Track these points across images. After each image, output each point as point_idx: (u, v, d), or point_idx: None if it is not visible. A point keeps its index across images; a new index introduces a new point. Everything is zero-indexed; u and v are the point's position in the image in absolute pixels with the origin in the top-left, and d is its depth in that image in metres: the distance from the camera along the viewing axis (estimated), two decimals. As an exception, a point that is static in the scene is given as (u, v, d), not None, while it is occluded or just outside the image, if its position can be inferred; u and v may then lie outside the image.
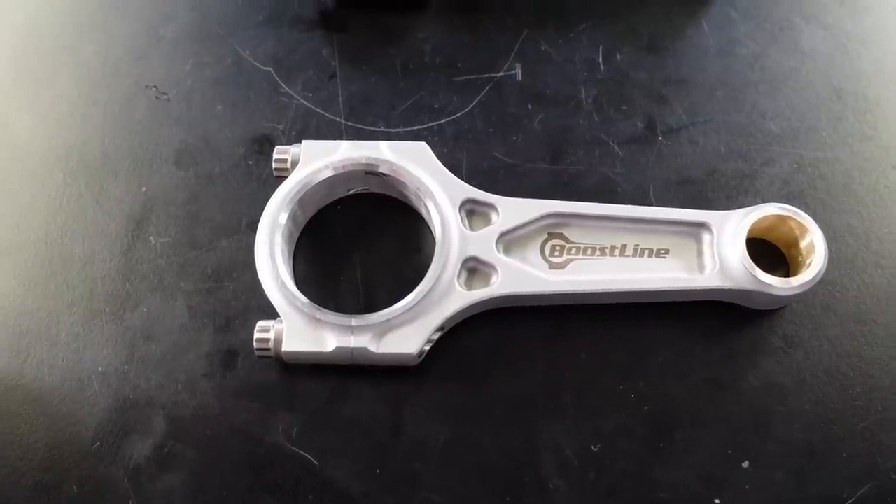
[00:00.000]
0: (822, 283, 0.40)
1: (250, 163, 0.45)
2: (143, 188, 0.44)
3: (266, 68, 0.47)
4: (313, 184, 0.40)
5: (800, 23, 0.48)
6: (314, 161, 0.41)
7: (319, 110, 0.46)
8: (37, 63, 0.48)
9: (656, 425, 0.40)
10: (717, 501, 0.38)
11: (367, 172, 0.41)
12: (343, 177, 0.41)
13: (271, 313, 0.40)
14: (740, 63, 0.47)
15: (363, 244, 0.43)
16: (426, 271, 0.40)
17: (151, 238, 0.43)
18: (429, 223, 0.42)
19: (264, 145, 0.45)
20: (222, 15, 0.49)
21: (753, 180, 0.44)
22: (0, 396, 0.40)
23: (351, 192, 0.43)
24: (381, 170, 0.41)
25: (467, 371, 0.41)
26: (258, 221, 0.41)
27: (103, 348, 0.41)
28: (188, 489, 0.39)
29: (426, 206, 0.41)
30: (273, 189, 0.41)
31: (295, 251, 0.43)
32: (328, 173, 0.41)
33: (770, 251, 0.42)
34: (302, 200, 0.41)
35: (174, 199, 0.44)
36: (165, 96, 0.46)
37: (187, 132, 0.46)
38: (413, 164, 0.41)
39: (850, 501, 0.38)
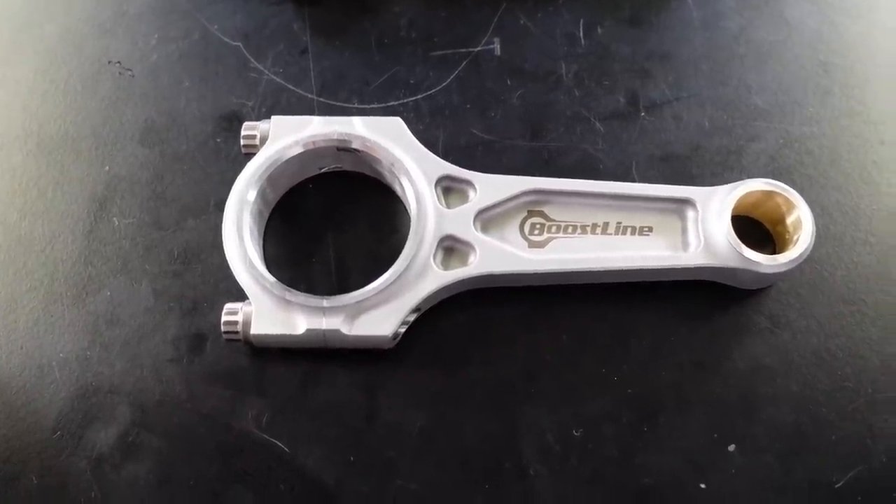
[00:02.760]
0: (810, 260, 0.39)
1: (218, 140, 0.43)
2: (107, 167, 0.43)
3: (235, 43, 0.46)
4: (283, 160, 0.39)
5: (785, -5, 0.47)
6: (284, 137, 0.40)
7: (290, 86, 0.44)
8: (-6, 39, 0.46)
9: (640, 409, 0.38)
10: (702, 486, 0.37)
11: (339, 149, 0.40)
12: (314, 153, 0.40)
13: (240, 296, 0.38)
14: (725, 36, 0.46)
15: (336, 224, 0.42)
16: (401, 251, 0.38)
17: (115, 219, 0.42)
18: (403, 201, 0.40)
19: (233, 122, 0.43)
20: (189, -13, 0.47)
21: (739, 156, 0.43)
22: (-45, 385, 0.39)
23: (323, 170, 0.42)
24: (354, 145, 0.39)
25: (444, 354, 0.39)
26: (226, 201, 0.39)
27: (64, 334, 0.40)
28: (154, 479, 0.37)
29: (401, 182, 0.39)
30: (241, 168, 0.40)
31: (265, 231, 0.41)
32: (298, 149, 0.39)
33: (755, 230, 0.41)
34: (271, 178, 0.39)
35: (139, 178, 0.43)
36: (130, 72, 0.45)
37: (153, 109, 0.44)
38: (387, 139, 0.40)
39: (840, 485, 0.37)
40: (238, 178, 0.39)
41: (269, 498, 0.37)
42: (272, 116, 0.41)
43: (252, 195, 0.39)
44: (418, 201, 0.39)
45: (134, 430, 0.38)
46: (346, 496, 0.37)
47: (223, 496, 0.37)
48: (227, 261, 0.39)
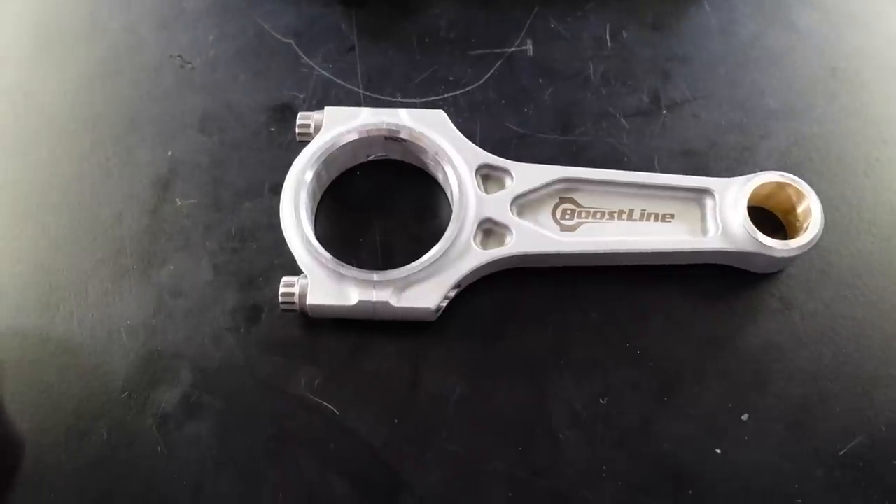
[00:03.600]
0: (817, 248, 0.42)
1: (272, 130, 0.46)
2: (169, 152, 0.46)
3: (287, 40, 0.49)
4: (338, 146, 0.42)
5: (796, 4, 0.50)
6: (337, 126, 0.43)
7: (339, 81, 0.48)
8: (63, 33, 0.49)
9: (660, 380, 0.41)
10: (717, 451, 0.40)
11: (387, 138, 0.43)
12: (365, 141, 0.43)
13: (293, 271, 0.42)
14: (740, 42, 0.49)
15: (381, 207, 0.45)
16: (441, 234, 0.42)
17: (177, 199, 0.45)
18: (445, 187, 0.44)
19: (285, 113, 0.47)
20: (244, -11, 0.50)
21: (752, 152, 0.46)
22: (32, 349, 0.42)
23: (370, 157, 0.45)
24: (402, 135, 0.43)
25: (481, 328, 0.43)
26: (279, 185, 0.42)
27: (131, 304, 0.43)
28: (214, 436, 0.40)
29: (444, 169, 0.42)
30: (294, 155, 0.43)
31: (316, 212, 0.44)
32: (353, 137, 0.42)
33: (767, 220, 0.43)
34: (326, 161, 0.42)
35: (199, 162, 0.46)
36: (190, 65, 0.48)
37: (211, 100, 0.47)
38: (431, 130, 0.43)
39: (843, 452, 0.40)
40: (296, 160, 0.42)
41: (320, 457, 0.40)
42: (325, 107, 0.44)
43: (309, 176, 0.42)
44: (460, 187, 0.42)
45: (195, 392, 0.41)
46: (392, 456, 0.40)
47: (278, 454, 0.40)
48: (280, 239, 0.42)
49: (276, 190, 0.43)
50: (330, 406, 0.41)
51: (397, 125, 0.43)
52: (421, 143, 0.43)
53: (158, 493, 0.40)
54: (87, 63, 0.48)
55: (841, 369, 0.42)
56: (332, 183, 0.45)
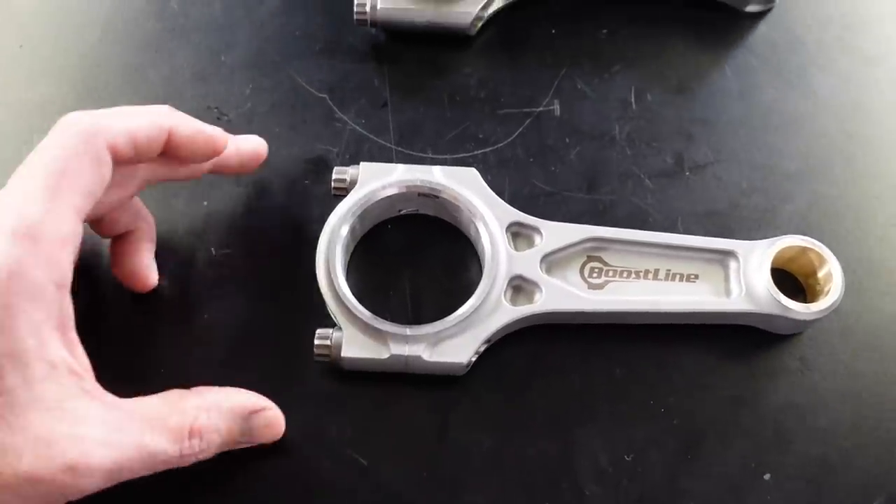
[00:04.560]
0: (837, 310, 0.43)
1: (306, 182, 0.48)
2: (205, 203, 0.47)
3: (321, 95, 0.50)
4: (374, 201, 0.44)
5: (814, 71, 0.52)
6: (372, 181, 0.44)
7: (372, 136, 0.49)
8: (105, 82, 0.51)
9: (684, 438, 0.42)
10: (741, 510, 0.41)
11: (421, 194, 0.45)
12: (400, 197, 0.45)
13: (326, 324, 0.43)
14: (760, 106, 0.51)
15: (412, 261, 0.46)
16: (470, 289, 0.43)
17: (212, 249, 0.46)
18: (476, 244, 0.45)
19: (319, 166, 0.48)
20: (280, 45, 0.52)
21: (773, 214, 0.47)
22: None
23: (402, 212, 0.46)
24: (437, 192, 0.44)
25: (509, 382, 0.43)
26: (313, 237, 0.44)
27: (166, 348, 0.44)
28: (246, 483, 0.41)
29: (476, 226, 0.44)
30: (328, 208, 0.44)
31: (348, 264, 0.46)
32: (389, 192, 0.44)
33: (787, 282, 0.45)
34: (362, 216, 0.44)
35: (233, 213, 0.47)
36: (226, 117, 0.49)
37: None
38: (464, 187, 0.44)
39: (864, 512, 0.41)
40: (332, 214, 0.44)
41: (347, 503, 0.41)
42: (360, 162, 0.45)
43: (345, 230, 0.43)
44: (492, 244, 0.43)
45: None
46: (419, 507, 0.41)
47: (305, 496, 0.41)
48: (313, 290, 0.43)
49: (310, 241, 0.44)
50: (359, 457, 0.42)
51: (432, 182, 0.44)
52: (455, 202, 0.44)
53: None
54: (127, 113, 0.50)
55: (860, 429, 0.43)
56: (363, 236, 0.46)
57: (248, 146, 0.44)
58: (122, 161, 0.37)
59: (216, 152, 0.41)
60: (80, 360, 0.34)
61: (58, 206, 0.33)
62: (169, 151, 0.39)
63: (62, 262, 0.33)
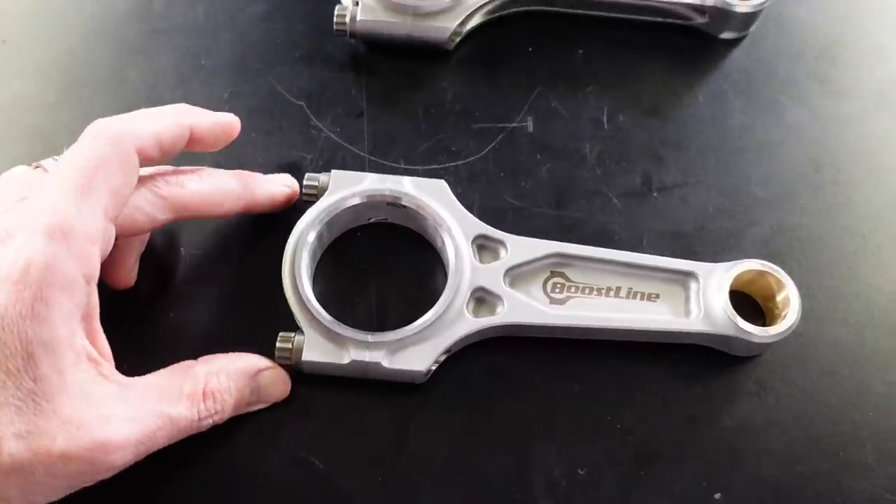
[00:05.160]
0: (794, 335, 0.43)
1: (279, 187, 0.48)
2: (178, 203, 0.48)
3: (299, 102, 0.51)
4: (342, 209, 0.44)
5: (785, 101, 0.53)
6: (342, 189, 0.45)
7: (346, 144, 0.50)
8: (86, 81, 0.51)
9: (638, 454, 0.43)
10: (690, 528, 0.42)
11: (389, 203, 0.45)
12: (368, 205, 0.45)
13: (290, 327, 0.43)
14: (730, 132, 0.52)
15: (378, 269, 0.46)
16: (434, 299, 0.43)
17: (182, 249, 0.47)
18: (442, 254, 0.46)
19: (292, 172, 0.48)
20: (260, 51, 0.53)
21: (737, 238, 0.48)
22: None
23: (371, 220, 0.47)
24: (404, 202, 0.45)
25: (468, 393, 0.44)
26: (282, 241, 0.44)
27: (129, 346, 0.44)
28: (200, 484, 0.41)
29: (441, 237, 0.44)
30: (298, 214, 0.45)
31: (314, 271, 0.46)
32: (357, 200, 0.44)
33: (748, 306, 0.45)
34: (329, 223, 0.44)
35: (205, 214, 0.47)
36: (204, 120, 0.50)
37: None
38: (432, 199, 0.45)
39: (812, 536, 0.41)
40: (299, 220, 0.44)
41: (303, 508, 0.41)
42: (332, 170, 0.46)
43: (312, 236, 0.44)
44: (457, 255, 0.44)
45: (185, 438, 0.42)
46: (373, 513, 0.41)
47: (260, 498, 0.41)
48: (279, 294, 0.43)
49: (279, 245, 0.44)
50: (316, 461, 0.42)
51: (400, 192, 0.45)
52: (422, 212, 0.45)
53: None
54: (106, 111, 0.49)
55: (813, 454, 0.43)
56: (332, 242, 0.47)
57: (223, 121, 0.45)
58: (149, 162, 0.39)
59: (231, 138, 0.44)
60: (102, 348, 0.37)
61: (88, 205, 0.35)
62: (192, 146, 0.42)
63: (92, 257, 0.35)
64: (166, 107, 0.42)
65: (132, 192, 0.39)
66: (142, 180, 0.39)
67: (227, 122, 0.44)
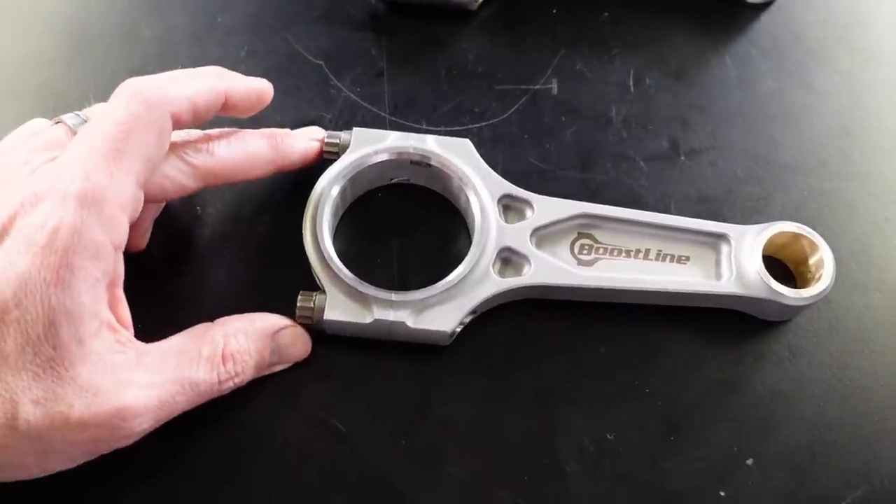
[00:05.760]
0: (826, 301, 0.43)
1: (298, 146, 0.47)
2: (193, 161, 0.46)
3: (317, 61, 0.50)
4: (366, 165, 0.43)
5: (814, 66, 0.52)
6: (364, 147, 0.44)
7: (366, 104, 0.49)
8: (97, 36, 0.50)
9: (668, 419, 0.42)
10: (721, 494, 0.40)
11: (413, 162, 0.44)
12: (392, 163, 0.44)
13: (311, 287, 0.42)
14: (759, 97, 0.51)
15: (400, 230, 0.45)
16: (457, 261, 0.42)
17: (198, 208, 0.45)
18: (466, 214, 0.44)
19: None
20: (278, 9, 0.51)
21: (766, 203, 0.47)
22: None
23: (392, 180, 0.46)
24: (430, 160, 0.44)
25: (493, 357, 0.43)
26: (300, 200, 0.43)
27: (146, 309, 0.42)
28: (221, 447, 0.40)
29: (466, 196, 0.43)
30: (317, 174, 0.44)
31: (335, 230, 0.45)
32: (382, 157, 0.43)
33: (777, 271, 0.44)
34: (353, 179, 0.43)
35: (222, 173, 0.46)
36: (220, 79, 0.49)
37: None
38: (457, 157, 0.44)
39: (846, 502, 0.40)
40: (322, 175, 0.43)
41: (325, 473, 0.40)
42: (353, 128, 0.45)
43: (335, 191, 0.42)
44: (482, 214, 0.43)
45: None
46: (397, 477, 0.40)
47: (282, 468, 0.40)
48: (299, 253, 0.42)
49: (297, 205, 0.43)
50: (338, 423, 0.41)
51: (425, 150, 0.44)
52: (447, 170, 0.43)
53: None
54: (119, 69, 0.49)
55: (845, 420, 0.42)
56: (352, 203, 0.46)
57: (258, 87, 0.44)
58: (181, 126, 0.38)
59: (264, 105, 0.43)
60: (123, 316, 0.36)
61: (120, 172, 0.34)
62: (225, 111, 0.41)
63: (121, 224, 0.35)
64: (202, 69, 0.41)
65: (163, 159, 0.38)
66: (171, 147, 0.38)
67: (261, 90, 0.42)
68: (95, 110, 0.41)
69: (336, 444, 0.40)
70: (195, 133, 0.41)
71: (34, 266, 0.32)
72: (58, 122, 0.40)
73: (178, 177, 0.39)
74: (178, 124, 0.37)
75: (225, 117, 0.42)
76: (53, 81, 0.49)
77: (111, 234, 0.34)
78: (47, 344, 0.32)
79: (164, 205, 0.44)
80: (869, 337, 0.44)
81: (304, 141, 0.44)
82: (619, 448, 0.41)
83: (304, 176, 0.45)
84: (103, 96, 0.47)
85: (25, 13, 0.51)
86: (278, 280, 0.43)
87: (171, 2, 0.51)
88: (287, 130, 0.44)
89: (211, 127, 0.43)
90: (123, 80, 0.47)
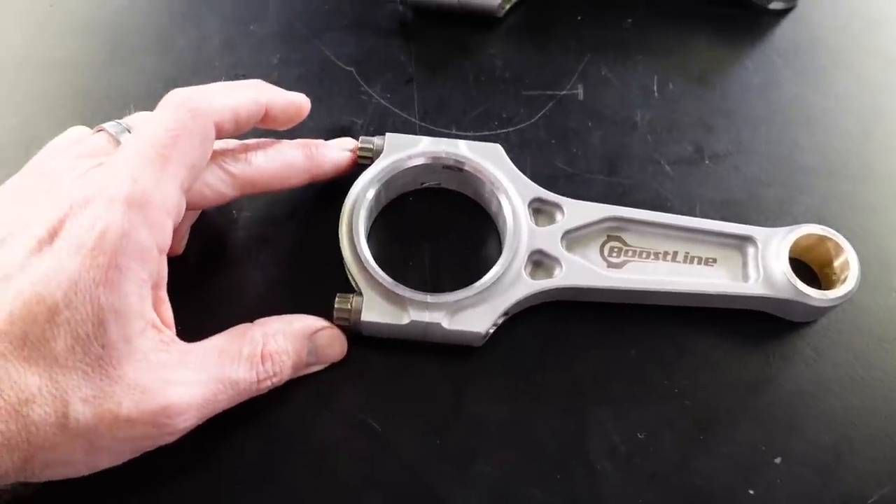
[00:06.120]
0: (850, 303, 0.43)
1: (330, 151, 0.48)
2: (229, 166, 0.47)
3: (348, 68, 0.51)
4: (400, 169, 0.44)
5: (835, 71, 0.53)
6: (398, 151, 0.45)
7: (396, 110, 0.50)
8: (133, 44, 0.51)
9: (696, 419, 0.42)
10: (751, 492, 0.41)
11: (446, 166, 0.45)
12: (425, 168, 0.45)
13: (346, 289, 0.43)
14: (780, 102, 0.51)
15: (432, 235, 0.46)
16: (488, 265, 0.43)
17: (234, 211, 0.46)
18: (497, 217, 0.45)
19: (344, 137, 0.48)
20: (309, 18, 0.52)
21: (790, 205, 0.48)
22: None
23: (424, 185, 0.47)
24: (463, 165, 0.44)
25: (524, 357, 0.44)
26: (335, 204, 0.44)
27: (185, 310, 0.43)
28: (258, 447, 0.41)
29: (498, 200, 0.44)
30: (350, 178, 0.45)
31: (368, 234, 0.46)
32: (417, 162, 0.44)
33: (802, 273, 0.45)
34: (387, 183, 0.44)
35: (257, 178, 0.47)
36: (253, 86, 0.50)
37: None
38: (488, 162, 0.45)
39: (872, 500, 0.41)
40: (358, 179, 0.44)
41: (360, 472, 0.41)
42: (386, 133, 0.46)
43: (371, 195, 0.43)
44: (514, 217, 0.43)
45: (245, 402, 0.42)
46: (431, 475, 0.41)
47: (318, 467, 0.41)
48: (334, 256, 0.43)
49: (329, 208, 0.44)
50: (373, 423, 0.42)
51: (458, 155, 0.45)
52: (479, 175, 0.44)
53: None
54: (154, 76, 0.50)
55: (871, 419, 0.43)
56: (385, 207, 0.47)
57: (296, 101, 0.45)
58: (223, 136, 0.39)
59: (301, 118, 0.44)
60: (166, 316, 0.38)
61: (166, 177, 0.36)
62: (264, 123, 0.42)
63: (166, 228, 0.36)
64: (244, 82, 0.42)
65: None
66: (211, 156, 0.39)
67: (299, 104, 0.44)
68: (138, 118, 0.42)
69: (371, 443, 0.41)
70: (233, 143, 0.42)
71: (83, 267, 0.33)
72: (99, 130, 0.41)
73: (218, 185, 0.40)
74: (220, 133, 0.39)
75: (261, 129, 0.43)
76: (89, 89, 0.50)
77: (157, 237, 0.35)
78: (96, 343, 0.33)
79: (200, 211, 0.45)
80: (892, 337, 0.45)
81: (338, 151, 0.45)
82: (649, 447, 0.42)
83: (336, 181, 0.46)
84: (140, 104, 0.49)
85: (61, 21, 0.52)
86: (313, 282, 0.44)
87: (205, 11, 0.52)
88: (321, 141, 0.45)
89: (247, 137, 0.44)
90: (158, 87, 0.49)
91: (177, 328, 0.40)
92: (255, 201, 0.47)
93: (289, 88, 0.49)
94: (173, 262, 0.43)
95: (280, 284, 0.45)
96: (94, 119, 0.48)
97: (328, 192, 0.46)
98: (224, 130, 0.39)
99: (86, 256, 0.33)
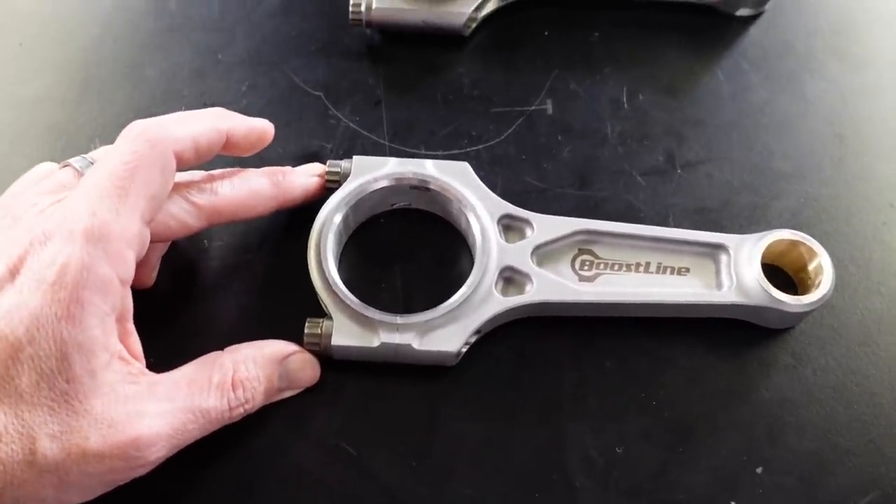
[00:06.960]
0: (828, 306, 0.43)
1: (300, 177, 0.48)
2: (199, 195, 0.47)
3: (316, 93, 0.51)
4: (368, 192, 0.44)
5: (804, 75, 0.52)
6: (365, 174, 0.45)
7: (365, 132, 0.50)
8: (103, 76, 0.51)
9: (676, 431, 0.42)
10: (732, 503, 0.40)
11: (412, 187, 0.45)
12: (392, 189, 0.45)
13: (317, 314, 0.43)
14: (751, 108, 0.51)
15: (403, 254, 0.46)
16: (459, 283, 0.43)
17: (205, 241, 0.46)
18: (467, 236, 0.45)
19: (313, 161, 0.48)
20: (277, 44, 0.53)
21: (764, 211, 0.48)
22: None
23: (394, 206, 0.47)
24: (429, 185, 0.44)
25: (499, 375, 0.43)
26: (304, 229, 0.44)
27: (155, 343, 0.43)
28: (234, 473, 0.41)
29: (467, 218, 0.44)
30: (320, 203, 0.45)
31: (339, 257, 0.46)
32: (382, 184, 0.44)
33: (778, 279, 0.44)
34: (355, 206, 0.44)
35: (227, 206, 0.47)
36: (222, 114, 0.50)
37: None
38: (455, 180, 0.45)
39: (857, 507, 0.41)
40: (325, 204, 0.44)
41: (337, 496, 0.40)
42: (353, 156, 0.46)
43: (338, 219, 0.43)
44: (483, 235, 0.43)
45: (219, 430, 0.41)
46: (408, 498, 0.40)
47: (295, 492, 0.40)
48: (304, 281, 0.43)
49: (301, 234, 0.44)
50: (348, 447, 0.41)
51: (425, 175, 0.45)
52: (446, 193, 0.44)
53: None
54: (125, 108, 0.50)
55: (853, 425, 0.42)
56: (355, 229, 0.46)
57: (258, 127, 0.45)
58: (185, 165, 0.39)
59: (265, 144, 0.44)
60: (134, 348, 0.37)
61: (125, 209, 0.35)
62: (227, 150, 0.42)
63: (127, 259, 0.36)
64: (203, 111, 0.42)
65: (167, 197, 0.39)
66: (176, 187, 0.39)
67: (262, 129, 0.44)
68: (101, 152, 0.42)
69: (347, 466, 0.41)
70: (198, 174, 0.42)
71: (45, 302, 0.33)
72: (65, 166, 0.41)
73: (183, 216, 0.40)
74: (181, 163, 0.39)
75: (228, 156, 0.43)
76: (62, 123, 0.50)
77: (118, 269, 0.35)
78: (61, 378, 0.33)
79: (170, 242, 0.45)
80: (872, 340, 0.44)
81: (305, 177, 0.45)
82: (628, 461, 0.41)
83: (306, 207, 0.46)
84: (110, 136, 0.49)
85: (31, 59, 0.52)
86: (285, 308, 0.44)
87: (173, 41, 0.53)
88: (288, 168, 0.45)
89: (214, 166, 0.44)
90: (129, 118, 0.48)
91: (151, 360, 0.40)
92: (227, 230, 0.47)
93: (257, 115, 0.49)
94: (145, 293, 0.44)
95: (253, 312, 0.44)
96: (64, 154, 0.49)
97: (300, 218, 0.46)
98: (184, 160, 0.39)
99: (46, 292, 0.33)
